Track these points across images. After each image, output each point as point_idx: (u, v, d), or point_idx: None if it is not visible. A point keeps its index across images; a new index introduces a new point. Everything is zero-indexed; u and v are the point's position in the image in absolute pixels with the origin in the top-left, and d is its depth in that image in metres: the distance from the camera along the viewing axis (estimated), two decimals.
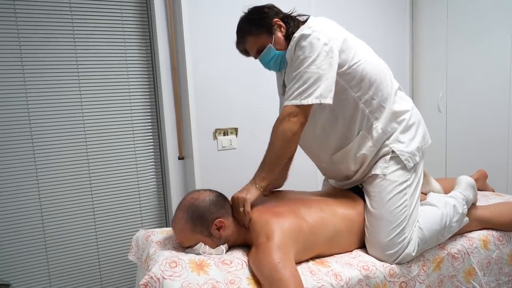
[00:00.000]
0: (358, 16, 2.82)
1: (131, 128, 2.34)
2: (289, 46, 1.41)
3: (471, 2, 2.64)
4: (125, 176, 2.35)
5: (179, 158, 2.40)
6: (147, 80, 2.36)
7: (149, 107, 2.38)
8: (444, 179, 1.97)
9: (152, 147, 2.42)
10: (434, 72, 2.95)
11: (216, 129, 2.42)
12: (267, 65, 1.52)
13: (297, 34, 1.37)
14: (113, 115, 2.29)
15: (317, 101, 1.31)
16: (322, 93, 1.31)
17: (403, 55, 3.06)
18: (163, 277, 1.14)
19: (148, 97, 2.37)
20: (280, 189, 1.65)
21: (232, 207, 1.37)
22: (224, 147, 2.44)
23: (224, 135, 2.45)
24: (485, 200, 1.83)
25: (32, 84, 2.08)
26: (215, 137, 2.42)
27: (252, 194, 1.35)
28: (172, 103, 2.35)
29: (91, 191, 2.27)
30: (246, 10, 1.52)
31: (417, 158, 1.49)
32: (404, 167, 1.45)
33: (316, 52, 1.31)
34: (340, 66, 1.36)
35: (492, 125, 2.59)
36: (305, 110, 1.35)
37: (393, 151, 1.45)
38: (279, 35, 1.47)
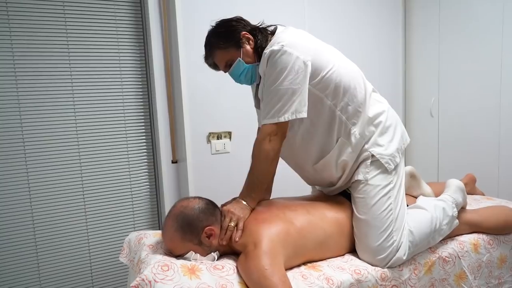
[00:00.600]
0: (351, 20, 2.84)
1: (124, 131, 2.34)
2: (261, 62, 1.41)
3: (463, 7, 2.67)
4: (118, 179, 2.35)
5: (172, 162, 2.40)
6: (140, 83, 2.36)
7: (142, 110, 2.38)
8: (435, 183, 1.98)
9: (145, 150, 2.41)
10: (426, 77, 2.97)
11: (210, 133, 2.42)
12: (238, 79, 1.52)
13: (267, 50, 1.37)
14: (106, 118, 2.28)
15: (293, 117, 1.35)
16: (297, 108, 1.34)
17: (396, 60, 3.09)
18: (155, 280, 1.14)
19: (141, 100, 2.37)
20: None
21: (222, 218, 1.37)
22: (218, 150, 2.45)
23: (217, 138, 2.45)
24: (476, 204, 1.85)
25: (24, 86, 2.08)
26: (208, 141, 2.42)
27: (246, 214, 1.37)
28: (166, 106, 2.35)
29: (83, 194, 2.26)
30: (213, 24, 1.52)
31: (397, 159, 1.49)
32: (385, 170, 1.45)
33: (288, 68, 1.32)
34: (313, 76, 1.37)
35: (483, 130, 2.62)
36: (283, 127, 1.38)
37: (372, 155, 1.45)
38: (248, 48, 1.46)
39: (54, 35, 2.12)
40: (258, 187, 1.42)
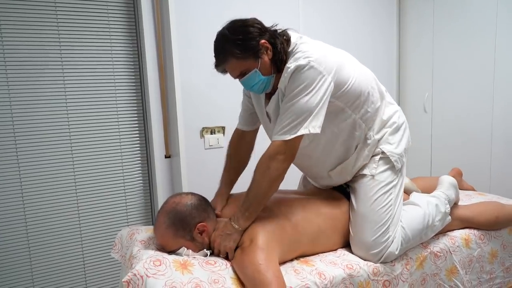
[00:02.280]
0: (346, 17, 2.84)
1: (117, 126, 2.32)
2: (282, 77, 1.32)
3: (457, 3, 2.68)
4: (111, 174, 2.33)
5: (165, 157, 2.39)
6: (133, 78, 2.34)
7: (135, 105, 2.36)
8: (424, 178, 2.00)
9: (138, 145, 2.40)
10: (420, 73, 2.98)
11: (203, 128, 2.41)
12: (250, 88, 1.41)
13: (291, 65, 1.29)
14: (99, 113, 2.27)
15: (306, 132, 1.27)
16: (312, 123, 1.27)
17: (390, 56, 3.09)
18: (147, 275, 1.13)
19: (134, 95, 2.35)
20: None
21: (213, 246, 1.35)
22: (211, 145, 2.44)
23: (211, 133, 2.44)
24: (468, 199, 1.86)
25: (16, 87, 2.06)
26: (202, 136, 2.41)
27: (234, 241, 1.30)
28: (159, 101, 2.33)
29: (75, 189, 2.25)
30: (227, 26, 1.36)
31: (404, 159, 1.52)
32: (392, 168, 1.47)
33: (312, 85, 1.26)
34: (335, 90, 1.33)
35: (476, 126, 2.63)
36: (293, 146, 1.30)
37: (383, 152, 1.47)
38: (266, 59, 1.34)
39: (45, 29, 2.09)
40: (254, 207, 1.31)
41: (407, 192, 1.72)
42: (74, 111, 2.20)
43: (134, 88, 2.35)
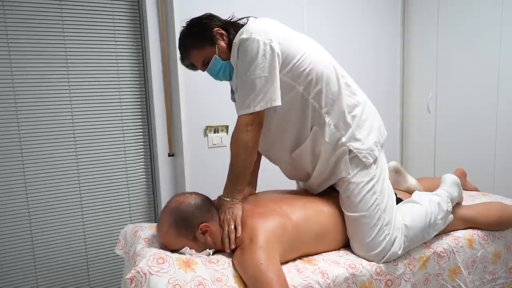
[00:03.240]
0: (350, 16, 2.83)
1: (120, 124, 2.33)
2: (232, 53, 1.40)
3: (462, 3, 2.67)
4: (114, 172, 2.34)
5: (169, 155, 2.39)
6: (137, 75, 2.34)
7: (139, 103, 2.37)
8: (428, 179, 1.99)
9: (142, 143, 2.41)
10: (424, 73, 2.97)
11: (207, 126, 2.41)
12: (216, 76, 1.51)
13: (236, 40, 1.36)
14: (103, 111, 2.27)
15: (268, 105, 1.33)
16: (271, 96, 1.33)
17: (394, 55, 3.08)
18: (150, 273, 1.14)
19: (138, 93, 2.36)
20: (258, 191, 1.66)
21: (221, 230, 1.36)
22: (215, 144, 2.44)
23: (214, 132, 2.44)
24: (471, 200, 1.86)
25: (21, 86, 2.06)
26: (205, 134, 2.42)
27: (238, 209, 1.36)
28: (163, 99, 2.34)
29: (79, 186, 2.25)
30: (184, 24, 1.49)
31: (376, 153, 1.47)
32: (364, 166, 1.44)
33: (258, 55, 1.31)
34: (284, 65, 1.36)
35: (480, 126, 2.62)
36: (259, 116, 1.36)
37: (350, 150, 1.43)
38: (222, 44, 1.44)
39: (50, 26, 2.10)
40: (241, 179, 1.40)
41: (411, 192, 1.72)
42: (79, 109, 2.21)
43: (138, 86, 2.35)
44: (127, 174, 2.38)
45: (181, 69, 2.27)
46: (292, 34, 1.44)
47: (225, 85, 2.39)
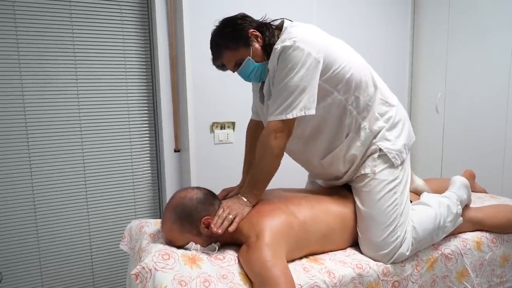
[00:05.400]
0: (360, 15, 2.81)
1: (127, 119, 2.32)
2: (271, 58, 1.38)
3: (473, 3, 2.63)
4: (120, 167, 2.34)
5: (175, 151, 2.39)
6: (145, 71, 2.34)
7: (146, 98, 2.36)
8: (435, 179, 1.97)
9: (148, 138, 2.40)
10: (433, 73, 2.94)
11: (213, 123, 2.40)
12: (247, 78, 1.49)
13: (278, 46, 1.34)
14: (110, 105, 2.27)
15: (302, 113, 1.32)
16: (306, 104, 1.32)
17: (403, 54, 3.05)
18: (155, 269, 1.13)
19: (145, 88, 2.35)
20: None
21: (219, 209, 1.35)
22: (221, 141, 2.43)
23: (221, 128, 2.43)
24: (480, 202, 1.84)
25: (29, 79, 2.06)
26: (212, 131, 2.41)
27: (245, 212, 1.35)
28: (170, 94, 2.33)
29: (85, 181, 2.25)
30: (217, 24, 1.46)
31: (404, 155, 1.48)
32: (392, 165, 1.45)
33: (299, 64, 1.30)
34: (324, 71, 1.35)
35: (489, 127, 2.59)
36: (289, 124, 1.36)
37: (380, 149, 1.45)
38: (257, 46, 1.42)
39: (58, 22, 2.09)
40: (260, 184, 1.39)
41: (419, 193, 1.70)
42: (85, 103, 2.20)
43: (145, 81, 2.35)
44: (132, 170, 2.37)
45: (189, 65, 2.26)
46: (332, 41, 1.43)
47: (233, 82, 2.38)
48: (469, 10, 2.66)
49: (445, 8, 2.81)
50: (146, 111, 2.37)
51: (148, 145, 2.41)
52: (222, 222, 1.30)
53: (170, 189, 2.37)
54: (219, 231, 1.28)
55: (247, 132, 1.76)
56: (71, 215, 2.24)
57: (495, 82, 2.53)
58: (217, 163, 2.41)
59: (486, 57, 2.58)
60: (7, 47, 2.01)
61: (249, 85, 2.54)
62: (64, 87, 2.15)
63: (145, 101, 2.36)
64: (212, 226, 1.29)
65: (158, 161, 2.44)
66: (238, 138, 2.47)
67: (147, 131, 2.39)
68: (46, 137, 2.14)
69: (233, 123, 2.45)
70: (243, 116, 2.44)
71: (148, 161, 2.42)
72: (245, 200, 1.37)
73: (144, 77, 2.34)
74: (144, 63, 2.33)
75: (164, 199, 2.42)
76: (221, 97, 2.39)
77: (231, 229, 1.29)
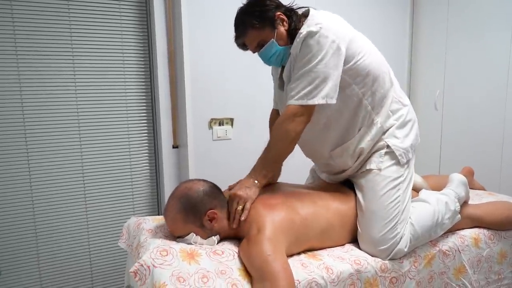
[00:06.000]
0: (359, 13, 2.80)
1: (125, 115, 2.31)
2: (295, 43, 1.37)
3: (471, 1, 2.63)
4: (118, 163, 2.33)
5: (173, 147, 2.38)
6: (143, 67, 2.33)
7: (144, 94, 2.35)
8: (433, 176, 1.98)
9: (146, 134, 2.40)
10: (432, 70, 2.94)
11: (212, 119, 2.40)
12: (267, 60, 1.48)
13: (303, 31, 1.33)
14: (107, 101, 2.26)
15: (323, 101, 1.31)
16: (329, 92, 1.31)
17: (402, 51, 3.05)
18: (154, 265, 1.13)
19: (143, 84, 2.35)
20: None
21: (228, 202, 1.35)
22: (219, 137, 2.43)
23: (219, 125, 2.43)
24: (478, 199, 1.84)
25: (26, 76, 2.06)
26: (210, 127, 2.40)
27: (254, 193, 1.35)
28: (168, 90, 2.32)
29: (83, 178, 2.25)
30: (246, 2, 1.45)
31: (410, 155, 1.49)
32: (398, 163, 1.45)
33: (324, 51, 1.30)
34: (345, 62, 1.35)
35: (488, 125, 2.59)
36: (309, 110, 1.35)
37: (388, 146, 1.45)
38: (282, 29, 1.42)
39: (56, 17, 2.08)
40: (271, 165, 1.40)
41: (417, 189, 1.70)
42: (83, 99, 2.20)
43: (144, 77, 2.34)
44: (131, 166, 2.37)
45: (187, 60, 2.26)
46: (355, 33, 1.43)
47: (231, 79, 2.39)
48: (468, 8, 2.66)
49: (444, 6, 2.80)
50: (144, 107, 2.36)
51: (146, 141, 2.40)
52: (234, 217, 1.32)
53: (168, 185, 2.37)
54: (234, 225, 1.32)
55: (270, 122, 1.74)
56: (69, 211, 2.24)
57: (494, 80, 2.54)
58: (215, 160, 2.41)
59: (484, 55, 2.58)
60: (5, 41, 2.00)
61: (248, 81, 2.54)
62: (62, 81, 2.14)
63: (143, 97, 2.35)
64: (230, 223, 1.32)
65: (156, 157, 2.43)
66: (236, 135, 2.46)
67: (145, 127, 2.39)
68: (44, 132, 2.13)
69: (232, 120, 2.45)
70: (242, 113, 2.46)
71: (146, 157, 2.41)
72: (253, 180, 1.37)
73: (142, 73, 2.33)
74: (142, 59, 2.32)
75: (162, 195, 2.41)
76: (220, 93, 2.38)
77: (243, 218, 1.30)
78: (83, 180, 2.25)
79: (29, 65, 2.06)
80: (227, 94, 2.41)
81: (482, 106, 2.61)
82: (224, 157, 2.43)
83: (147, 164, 2.42)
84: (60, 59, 2.12)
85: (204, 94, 2.34)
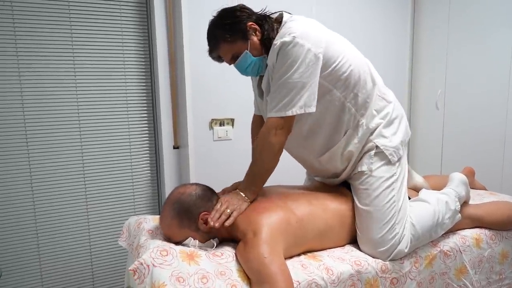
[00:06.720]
0: (360, 13, 2.80)
1: (126, 116, 2.32)
2: (270, 53, 1.35)
3: (473, 1, 2.62)
4: (119, 164, 2.34)
5: (174, 147, 2.38)
6: (144, 67, 2.33)
7: (145, 95, 2.36)
8: (434, 176, 1.97)
9: (147, 135, 2.40)
10: (433, 69, 2.93)
11: (212, 119, 2.40)
12: (244, 71, 1.46)
13: (277, 41, 1.31)
14: (108, 102, 2.26)
15: (302, 111, 1.31)
16: (306, 102, 1.31)
17: (403, 50, 3.04)
18: (153, 265, 1.13)
19: (144, 84, 2.35)
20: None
21: (219, 205, 1.34)
22: (220, 137, 2.43)
23: (220, 125, 2.43)
24: (479, 199, 1.83)
25: (27, 78, 2.06)
26: (211, 127, 2.40)
27: (243, 207, 1.34)
28: (169, 91, 2.32)
29: (84, 177, 2.25)
30: (215, 14, 1.43)
31: (401, 152, 1.47)
32: (389, 162, 1.44)
33: (299, 60, 1.28)
34: (323, 68, 1.34)
35: (489, 124, 2.59)
36: (289, 121, 1.34)
37: (377, 146, 1.43)
38: (255, 39, 1.39)
39: (57, 20, 2.09)
40: (259, 180, 1.39)
41: (418, 189, 1.70)
42: (84, 100, 2.20)
43: (144, 78, 2.34)
44: (132, 166, 2.37)
45: (188, 61, 2.26)
46: (331, 35, 1.40)
47: (232, 79, 2.38)
48: (469, 7, 2.65)
49: (445, 6, 2.79)
50: (145, 108, 2.37)
51: (147, 141, 2.40)
52: (220, 216, 1.29)
53: (169, 186, 2.37)
54: (216, 224, 1.27)
55: (252, 127, 1.74)
56: (71, 211, 2.24)
57: (495, 79, 2.53)
58: (216, 160, 2.41)
59: (486, 55, 2.57)
60: (6, 47, 2.00)
61: (248, 82, 2.53)
62: (63, 82, 2.14)
63: (144, 98, 2.36)
64: (209, 220, 1.28)
65: (157, 157, 2.43)
66: (237, 135, 2.46)
67: (146, 128, 2.39)
68: (45, 133, 2.13)
69: (232, 120, 2.45)
70: (242, 113, 2.45)
71: (147, 158, 2.42)
72: (243, 195, 1.36)
73: (143, 74, 2.33)
74: (143, 60, 2.32)
75: (163, 195, 2.42)
76: (220, 94, 2.38)
77: (227, 223, 1.28)
78: (84, 181, 2.26)
79: (30, 68, 2.06)
80: (228, 95, 2.41)
81: (484, 105, 2.61)
82: (224, 157, 2.43)
83: (148, 164, 2.42)
84: (61, 60, 2.12)
85: (205, 95, 2.34)
